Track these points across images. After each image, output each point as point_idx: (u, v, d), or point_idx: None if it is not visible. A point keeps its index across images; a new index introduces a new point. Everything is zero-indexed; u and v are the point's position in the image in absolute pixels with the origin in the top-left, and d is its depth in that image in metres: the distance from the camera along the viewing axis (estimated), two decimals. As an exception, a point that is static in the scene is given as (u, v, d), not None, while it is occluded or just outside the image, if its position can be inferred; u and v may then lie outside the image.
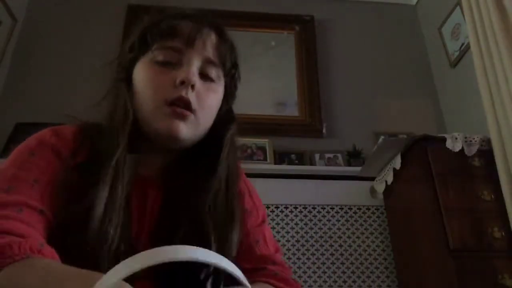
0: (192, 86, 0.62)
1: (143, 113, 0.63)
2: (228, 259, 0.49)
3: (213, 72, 0.66)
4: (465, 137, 1.70)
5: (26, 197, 0.53)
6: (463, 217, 1.56)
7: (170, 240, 0.57)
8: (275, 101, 2.43)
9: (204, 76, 0.65)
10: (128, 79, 0.66)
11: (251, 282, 0.56)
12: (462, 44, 2.26)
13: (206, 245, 0.57)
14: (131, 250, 0.55)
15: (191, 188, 0.64)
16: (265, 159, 2.18)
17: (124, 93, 0.64)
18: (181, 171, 0.66)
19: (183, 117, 0.61)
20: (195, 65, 0.63)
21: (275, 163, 2.17)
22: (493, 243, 1.52)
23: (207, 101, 0.64)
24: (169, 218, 0.62)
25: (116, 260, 0.53)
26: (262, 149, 2.22)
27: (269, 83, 2.44)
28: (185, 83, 0.61)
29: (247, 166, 2.24)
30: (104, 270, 0.41)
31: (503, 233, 1.53)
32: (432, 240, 1.62)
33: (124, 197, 0.59)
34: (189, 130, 0.62)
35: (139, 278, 0.56)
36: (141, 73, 0.64)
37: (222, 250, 0.58)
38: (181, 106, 0.61)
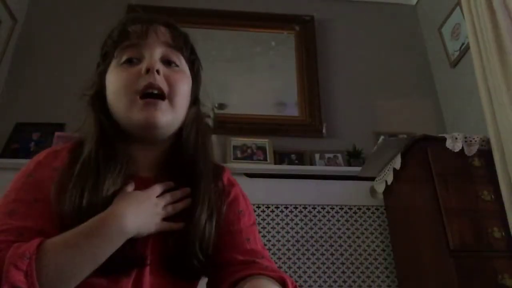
0: (158, 71, 0.65)
1: (120, 111, 0.66)
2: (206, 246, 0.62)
3: (174, 57, 0.70)
4: (465, 137, 1.70)
5: (26, 221, 0.57)
6: (463, 217, 1.56)
7: (176, 234, 0.64)
8: (275, 101, 2.43)
9: (167, 62, 0.69)
10: (100, 93, 0.70)
11: (247, 275, 0.60)
12: (462, 44, 2.26)
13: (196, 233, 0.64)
14: (129, 250, 0.59)
15: (180, 179, 0.68)
16: (265, 159, 2.18)
17: (91, 108, 0.69)
18: (170, 165, 0.70)
19: (156, 105, 0.64)
20: (156, 53, 0.68)
21: (275, 163, 2.17)
22: (493, 243, 1.52)
23: (177, 83, 0.68)
24: (171, 216, 0.66)
25: (118, 261, 0.57)
26: (262, 149, 2.22)
27: (269, 83, 2.44)
28: (150, 70, 0.65)
29: (247, 166, 2.25)
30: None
31: (503, 233, 1.53)
32: (432, 240, 1.62)
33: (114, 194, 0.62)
34: (166, 116, 0.66)
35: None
36: (110, 78, 0.69)
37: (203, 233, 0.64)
38: (153, 96, 0.64)
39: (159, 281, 0.62)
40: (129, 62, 0.67)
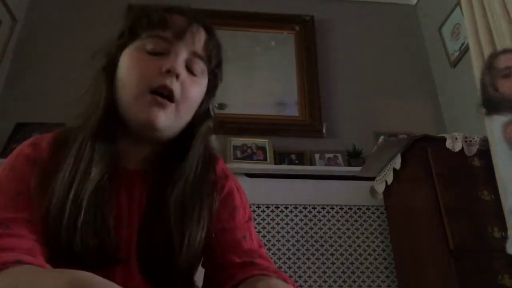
0: (177, 76, 0.62)
1: (125, 99, 0.63)
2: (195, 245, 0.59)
3: (199, 67, 0.67)
4: (465, 137, 1.70)
5: (12, 213, 0.56)
6: (463, 217, 1.56)
7: (159, 230, 0.61)
8: (275, 101, 2.43)
9: (189, 69, 0.66)
10: (111, 67, 0.66)
11: (249, 276, 0.58)
12: (462, 44, 2.26)
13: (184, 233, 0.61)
14: (108, 243, 0.57)
15: (172, 178, 0.65)
16: (265, 159, 2.18)
17: (103, 81, 0.65)
18: (163, 163, 0.67)
19: (163, 106, 0.62)
20: (182, 56, 0.64)
21: (275, 163, 2.17)
22: (493, 243, 1.52)
23: (191, 93, 0.65)
24: (156, 210, 0.63)
25: (93, 255, 0.56)
26: (262, 149, 2.22)
27: (269, 83, 2.44)
28: (171, 72, 0.62)
29: (247, 166, 2.25)
30: (79, 267, 0.43)
31: (503, 233, 1.53)
32: (432, 240, 1.62)
33: (106, 192, 0.60)
34: (167, 120, 0.63)
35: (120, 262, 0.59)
36: (127, 59, 0.65)
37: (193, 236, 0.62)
38: (163, 95, 0.62)
39: (137, 280, 0.61)
40: (153, 53, 0.64)
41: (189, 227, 0.62)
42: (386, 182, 1.92)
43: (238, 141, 2.22)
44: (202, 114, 0.71)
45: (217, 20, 2.54)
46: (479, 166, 1.67)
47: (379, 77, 2.53)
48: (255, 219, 1.99)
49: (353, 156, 2.21)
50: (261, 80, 2.44)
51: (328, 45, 2.60)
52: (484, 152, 1.68)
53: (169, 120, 0.63)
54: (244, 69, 2.44)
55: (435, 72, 2.58)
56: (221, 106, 2.30)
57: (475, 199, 1.60)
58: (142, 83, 0.62)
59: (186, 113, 0.67)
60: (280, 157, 2.21)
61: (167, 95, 0.62)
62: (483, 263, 1.49)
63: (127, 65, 0.64)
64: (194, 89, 0.66)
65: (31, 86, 2.25)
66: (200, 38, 0.67)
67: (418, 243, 1.73)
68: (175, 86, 0.62)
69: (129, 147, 0.67)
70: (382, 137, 1.84)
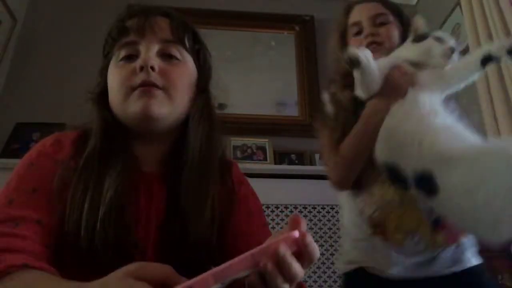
0: (152, 68, 0.64)
1: (116, 106, 0.66)
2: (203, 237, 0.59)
3: (173, 50, 0.68)
4: (465, 137, 1.69)
5: (24, 210, 0.56)
6: (463, 217, 1.56)
7: (176, 229, 0.61)
8: (275, 101, 2.43)
9: (167, 55, 0.67)
10: (105, 90, 0.70)
11: None
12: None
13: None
14: (127, 243, 0.58)
15: (186, 175, 0.65)
16: (265, 159, 2.18)
17: (95, 106, 0.69)
18: (177, 160, 0.67)
19: (151, 95, 0.63)
20: (153, 49, 0.66)
21: (275, 163, 2.17)
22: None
23: (174, 76, 0.66)
24: (175, 210, 0.63)
25: (112, 253, 0.56)
26: (262, 149, 2.22)
27: (269, 83, 2.44)
28: (144, 67, 0.64)
29: (247, 166, 2.24)
30: (104, 270, 0.43)
31: (503, 233, 1.53)
32: (432, 240, 1.62)
33: (124, 197, 0.60)
34: (162, 107, 0.64)
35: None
36: (109, 76, 0.69)
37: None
38: (146, 87, 0.63)
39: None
40: (128, 58, 0.67)
41: (201, 221, 0.63)
42: (386, 182, 1.92)
43: (238, 141, 2.23)
44: (200, 94, 0.71)
45: (217, 20, 2.54)
46: (479, 166, 1.67)
47: (379, 77, 2.53)
48: (255, 219, 1.99)
49: (353, 156, 2.20)
50: (261, 80, 2.44)
51: (328, 45, 2.60)
52: (484, 152, 1.68)
53: (164, 107, 0.64)
54: (244, 69, 2.44)
55: (435, 72, 2.58)
56: (221, 106, 2.30)
57: (475, 199, 1.60)
58: (124, 87, 0.64)
59: (181, 98, 0.67)
60: (280, 157, 2.21)
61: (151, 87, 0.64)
62: (483, 263, 1.49)
63: (110, 79, 0.68)
64: (178, 72, 0.67)
65: (31, 86, 2.25)
66: (162, 25, 0.69)
67: (418, 243, 1.73)
68: (154, 77, 0.64)
69: (142, 150, 0.68)
70: (382, 137, 1.83)
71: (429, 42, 0.79)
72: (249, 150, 2.20)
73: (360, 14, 1.00)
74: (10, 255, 0.49)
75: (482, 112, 1.76)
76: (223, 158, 0.72)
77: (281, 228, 2.01)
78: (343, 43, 1.05)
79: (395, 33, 0.96)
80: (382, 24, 0.96)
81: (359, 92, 0.80)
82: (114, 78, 0.67)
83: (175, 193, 0.65)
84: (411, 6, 2.82)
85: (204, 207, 0.63)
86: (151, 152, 0.69)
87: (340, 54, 1.03)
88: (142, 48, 0.66)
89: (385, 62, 0.82)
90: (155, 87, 0.64)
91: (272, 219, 2.03)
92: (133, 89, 0.64)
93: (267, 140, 2.24)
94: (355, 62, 0.73)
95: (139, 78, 0.63)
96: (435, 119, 0.67)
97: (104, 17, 2.59)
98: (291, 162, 2.20)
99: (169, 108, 0.65)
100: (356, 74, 0.76)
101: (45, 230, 0.56)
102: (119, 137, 0.66)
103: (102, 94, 0.70)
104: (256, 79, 2.43)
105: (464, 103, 0.96)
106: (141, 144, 0.68)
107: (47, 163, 0.62)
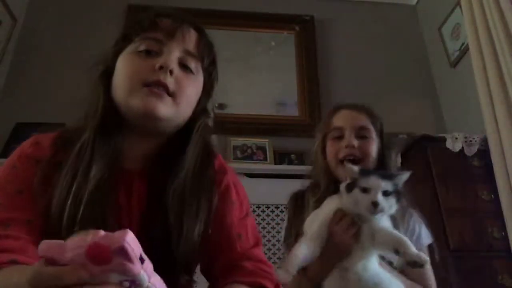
0: (171, 71, 0.64)
1: (120, 96, 0.65)
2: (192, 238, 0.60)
3: (192, 64, 0.69)
4: (465, 137, 1.70)
5: (13, 212, 0.57)
6: (463, 217, 1.56)
7: (158, 224, 0.62)
8: (275, 101, 2.43)
9: (183, 66, 0.68)
10: (108, 73, 0.69)
11: (227, 283, 0.61)
12: (462, 44, 2.26)
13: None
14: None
15: (171, 173, 0.66)
16: (265, 159, 2.18)
17: (100, 86, 0.67)
18: (163, 159, 0.68)
19: (159, 96, 0.63)
20: (175, 54, 0.67)
21: (275, 163, 2.17)
22: (493, 243, 1.52)
23: (186, 87, 0.67)
24: (156, 204, 0.64)
25: None
26: (262, 149, 2.22)
27: (269, 83, 2.44)
28: (164, 68, 0.64)
29: (247, 166, 2.24)
30: None
31: (503, 233, 1.53)
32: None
33: (105, 191, 0.61)
34: (167, 110, 0.64)
35: None
36: (122, 62, 0.67)
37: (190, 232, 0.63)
38: (158, 87, 0.63)
39: None
40: (147, 52, 0.66)
41: (188, 220, 0.63)
42: (386, 182, 1.92)
43: (238, 141, 2.22)
44: (200, 112, 0.72)
45: (217, 20, 2.54)
46: (479, 166, 1.67)
47: (379, 77, 2.53)
48: (255, 219, 1.99)
49: (353, 156, 2.20)
50: (261, 80, 2.44)
51: (328, 45, 2.60)
52: (484, 152, 1.68)
53: (169, 111, 0.65)
54: (244, 69, 2.44)
55: (435, 72, 2.58)
56: (221, 106, 2.30)
57: (475, 199, 1.60)
58: (135, 78, 0.64)
59: (186, 108, 0.68)
60: (280, 157, 2.21)
61: (161, 89, 0.63)
62: (483, 263, 1.49)
63: (122, 66, 0.67)
64: (189, 85, 0.68)
65: (31, 86, 2.25)
66: (191, 37, 0.70)
67: (418, 243, 1.73)
68: (169, 81, 0.64)
69: (132, 144, 0.68)
70: (382, 137, 1.83)
71: (355, 194, 0.78)
72: (249, 150, 2.20)
73: (345, 121, 1.02)
74: (1, 254, 0.51)
75: (482, 112, 1.76)
76: (208, 150, 0.73)
77: (281, 228, 2.01)
78: (324, 145, 1.05)
79: (374, 148, 0.98)
80: (364, 137, 0.98)
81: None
82: (128, 66, 0.66)
83: (157, 190, 0.65)
84: (411, 6, 2.81)
85: (192, 211, 0.65)
86: (138, 147, 0.69)
87: (321, 157, 1.04)
88: (166, 49, 0.66)
89: (329, 209, 0.83)
90: (166, 91, 0.64)
91: (272, 219, 2.03)
92: (144, 84, 0.63)
93: (267, 140, 2.24)
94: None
95: (156, 75, 0.63)
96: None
97: (104, 17, 2.60)
98: (291, 162, 2.19)
99: (173, 113, 0.66)
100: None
101: (35, 229, 0.58)
102: (114, 131, 0.66)
103: (105, 74, 0.69)
104: (256, 79, 2.43)
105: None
106: (132, 140, 0.68)
107: (29, 164, 0.63)
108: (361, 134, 0.99)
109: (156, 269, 0.60)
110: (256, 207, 2.03)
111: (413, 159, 1.76)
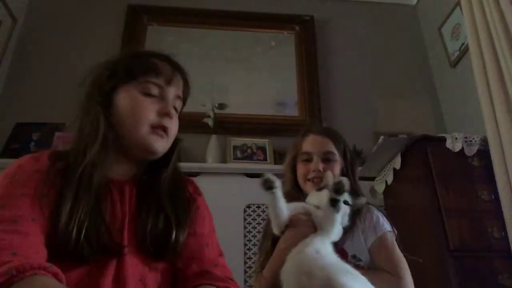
0: (171, 117, 0.81)
1: (127, 132, 0.77)
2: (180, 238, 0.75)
3: (178, 105, 0.85)
4: (465, 137, 1.70)
5: (18, 210, 0.62)
6: (463, 217, 1.56)
7: (147, 217, 0.74)
8: (275, 101, 2.43)
9: (174, 107, 0.84)
10: (106, 102, 0.78)
11: (196, 285, 0.73)
12: (462, 44, 2.26)
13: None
14: (110, 242, 0.69)
15: (156, 183, 0.81)
16: (265, 159, 2.18)
17: (98, 111, 0.76)
18: (149, 170, 0.83)
19: (162, 138, 0.79)
20: (171, 99, 0.82)
21: (275, 163, 2.16)
22: (493, 243, 1.52)
23: (175, 126, 0.83)
24: (145, 207, 0.76)
25: (100, 254, 0.66)
26: (262, 149, 2.22)
27: (269, 83, 2.44)
28: (167, 115, 0.79)
29: (247, 166, 2.24)
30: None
31: (503, 233, 1.53)
32: (432, 240, 1.62)
33: (97, 198, 0.70)
34: (164, 147, 0.81)
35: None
36: (127, 100, 0.78)
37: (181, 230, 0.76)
38: (162, 130, 0.79)
39: (136, 261, 0.71)
40: (149, 95, 0.79)
41: (178, 212, 0.78)
42: (386, 182, 1.92)
43: (238, 141, 2.22)
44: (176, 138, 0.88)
45: (217, 20, 2.54)
46: (479, 166, 1.67)
47: (379, 77, 2.53)
48: (255, 219, 1.99)
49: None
50: (261, 80, 2.44)
51: (328, 45, 2.60)
52: (484, 152, 1.68)
53: (165, 147, 0.81)
54: (244, 69, 2.44)
55: (435, 72, 2.58)
56: (221, 106, 2.30)
57: (475, 199, 1.60)
58: (144, 121, 0.77)
59: (172, 140, 0.84)
60: (280, 157, 2.21)
61: (164, 131, 0.79)
62: (483, 263, 1.49)
63: (128, 104, 0.78)
64: (176, 123, 0.84)
65: (31, 86, 2.25)
66: (180, 83, 0.85)
67: (418, 243, 1.73)
68: (169, 126, 0.80)
69: (121, 163, 0.80)
70: (382, 137, 1.84)
71: (323, 193, 0.95)
72: (249, 150, 2.20)
73: (312, 146, 1.19)
74: (15, 257, 0.55)
75: (482, 112, 1.76)
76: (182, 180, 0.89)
77: (281, 228, 2.01)
78: (294, 164, 1.23)
79: (337, 168, 1.15)
80: (329, 160, 1.16)
81: (274, 228, 0.95)
82: (137, 108, 0.77)
83: (146, 189, 0.79)
84: (411, 6, 2.82)
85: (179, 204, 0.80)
86: (128, 168, 0.81)
87: (290, 174, 1.24)
88: (165, 94, 0.81)
89: (294, 205, 0.98)
90: (166, 134, 0.79)
91: (272, 219, 2.03)
92: (151, 126, 0.77)
93: (267, 140, 2.24)
94: (269, 185, 0.93)
95: (160, 120, 0.78)
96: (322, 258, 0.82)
97: (104, 17, 2.60)
98: (291, 162, 2.19)
99: (166, 148, 0.82)
100: (269, 196, 0.95)
101: (40, 227, 0.63)
102: (111, 156, 0.76)
103: (104, 103, 0.77)
104: (256, 79, 2.43)
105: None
106: (121, 160, 0.79)
107: (28, 173, 0.69)
108: (327, 157, 1.16)
109: (156, 255, 0.72)
110: (256, 207, 2.03)
111: (413, 159, 1.76)
